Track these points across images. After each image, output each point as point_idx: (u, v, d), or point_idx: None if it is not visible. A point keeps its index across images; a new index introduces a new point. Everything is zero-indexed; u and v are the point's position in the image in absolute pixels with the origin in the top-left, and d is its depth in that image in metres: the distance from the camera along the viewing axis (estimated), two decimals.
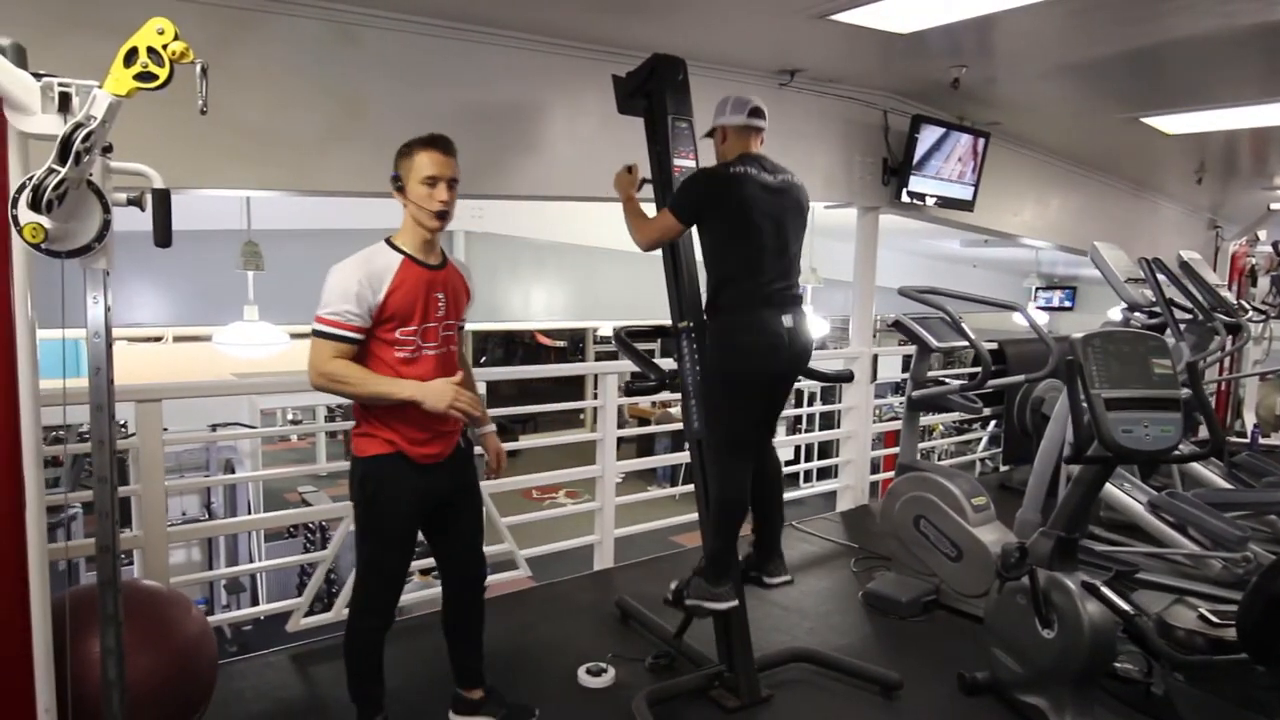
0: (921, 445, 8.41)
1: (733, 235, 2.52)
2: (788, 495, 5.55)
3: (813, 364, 2.89)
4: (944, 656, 3.01)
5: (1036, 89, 4.52)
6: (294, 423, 13.08)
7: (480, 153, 3.27)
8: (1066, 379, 2.33)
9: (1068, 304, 11.02)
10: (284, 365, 5.40)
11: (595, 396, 3.98)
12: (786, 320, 2.51)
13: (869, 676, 2.83)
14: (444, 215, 2.13)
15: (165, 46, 1.55)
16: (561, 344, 15.91)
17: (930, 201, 4.88)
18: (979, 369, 3.44)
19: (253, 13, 2.74)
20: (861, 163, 4.64)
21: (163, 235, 1.66)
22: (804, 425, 7.18)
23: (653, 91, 2.87)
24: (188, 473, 6.89)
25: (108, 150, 1.64)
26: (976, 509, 3.42)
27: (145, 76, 1.55)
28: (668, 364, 2.76)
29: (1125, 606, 2.29)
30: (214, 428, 6.82)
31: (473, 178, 3.27)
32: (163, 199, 1.65)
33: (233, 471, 6.98)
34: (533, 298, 9.52)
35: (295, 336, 6.76)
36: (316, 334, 2.04)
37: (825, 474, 6.11)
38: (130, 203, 1.64)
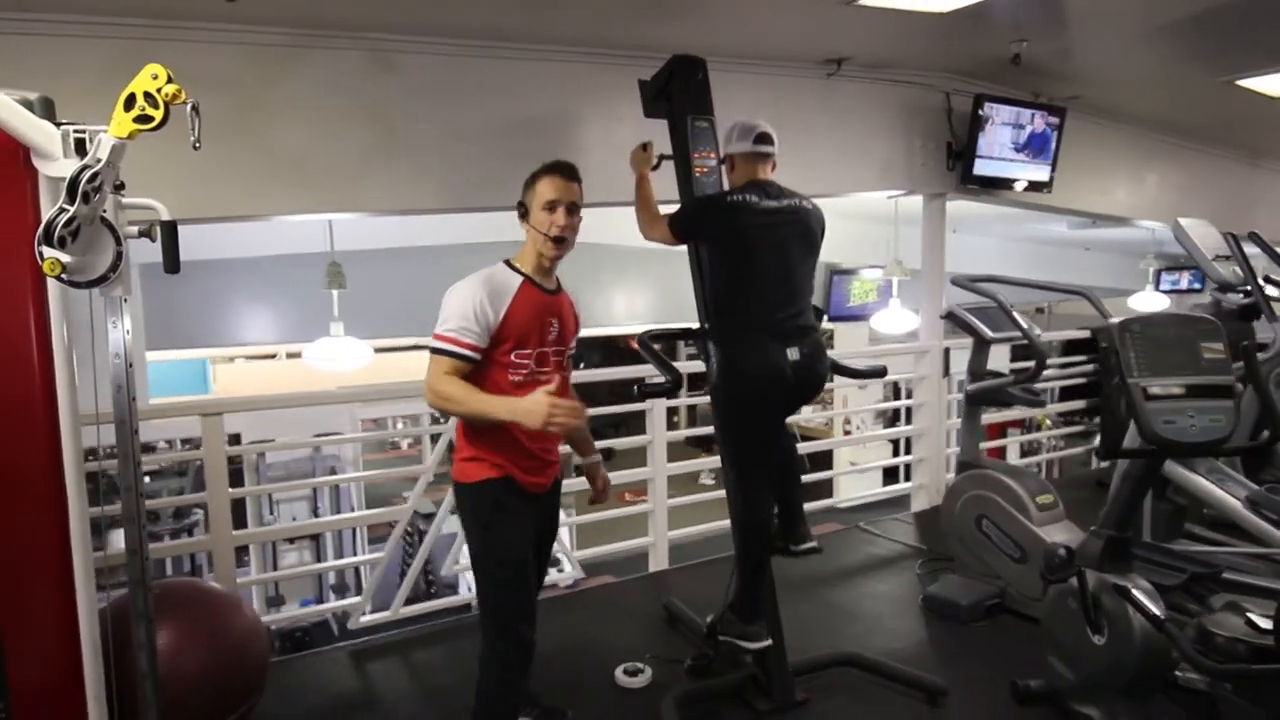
0: (1025, 438, 8.07)
1: (728, 261, 2.51)
2: (868, 494, 5.47)
3: (847, 361, 2.85)
4: (1002, 663, 2.85)
5: (1115, 57, 4.22)
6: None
7: (516, 166, 3.32)
8: (1101, 368, 2.18)
9: (1196, 286, 10.15)
10: (368, 378, 5.71)
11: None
12: (791, 352, 2.44)
13: (914, 682, 2.72)
14: (561, 241, 2.13)
15: (159, 90, 1.69)
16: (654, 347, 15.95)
17: (1000, 184, 4.64)
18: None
19: (295, 48, 2.92)
20: (923, 148, 4.47)
21: (171, 263, 1.80)
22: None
23: (673, 93, 2.88)
24: (295, 479, 7.40)
25: (120, 188, 1.80)
26: (1042, 507, 3.23)
27: (143, 119, 1.69)
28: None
29: (1154, 610, 2.11)
30: (318, 438, 7.27)
31: (510, 190, 3.40)
32: (170, 230, 1.79)
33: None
34: (615, 303, 9.63)
35: (379, 350, 7.14)
36: (434, 350, 2.01)
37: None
38: (141, 234, 1.79)
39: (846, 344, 10.46)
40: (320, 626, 5.21)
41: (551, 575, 3.66)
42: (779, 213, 2.50)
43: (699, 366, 2.85)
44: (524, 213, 2.19)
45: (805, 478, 4.91)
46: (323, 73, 2.98)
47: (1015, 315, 3.12)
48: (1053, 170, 4.76)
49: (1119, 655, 2.27)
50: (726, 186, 2.68)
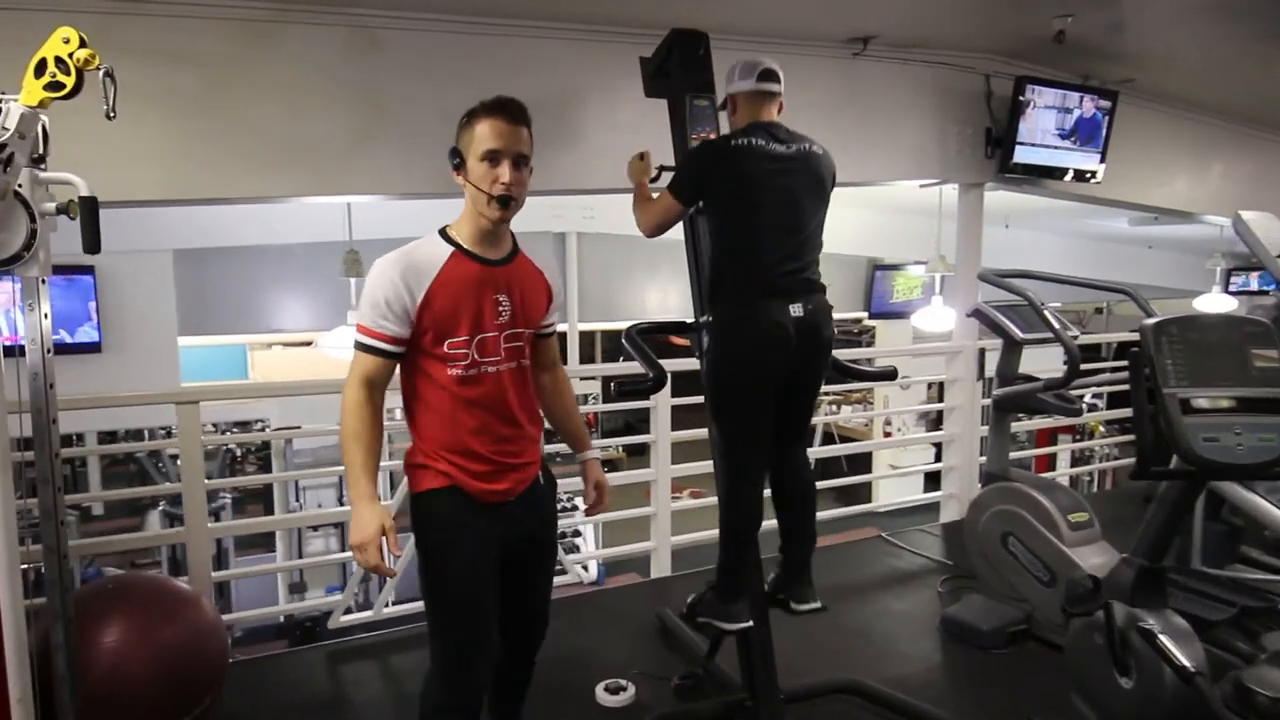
0: (1078, 446, 7.63)
1: (734, 213, 2.27)
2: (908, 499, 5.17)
3: (852, 360, 2.61)
4: (1023, 696, 2.61)
5: (1173, 35, 3.87)
6: None
7: None
8: (1131, 376, 1.92)
9: (1269, 287, 9.50)
10: None
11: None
12: (795, 309, 2.23)
13: (920, 716, 2.49)
14: (506, 201, 1.70)
15: (71, 55, 1.55)
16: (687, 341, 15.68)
17: (1044, 173, 4.31)
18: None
19: (272, 24, 2.80)
20: (959, 134, 4.17)
21: (90, 242, 1.67)
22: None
23: (672, 70, 2.69)
24: (324, 467, 7.41)
25: (39, 161, 1.67)
26: (1074, 526, 2.94)
27: (54, 86, 1.57)
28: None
29: (1183, 660, 1.84)
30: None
31: None
32: (89, 206, 1.66)
33: None
34: (648, 297, 9.44)
35: None
36: (355, 344, 1.73)
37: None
38: (59, 211, 1.66)
39: (888, 342, 10.12)
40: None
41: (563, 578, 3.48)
42: (790, 159, 2.27)
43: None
44: (459, 163, 1.73)
45: (840, 481, 4.78)
46: (303, 50, 2.85)
47: (1047, 313, 2.84)
48: (1102, 159, 4.41)
49: (1147, 703, 2.01)
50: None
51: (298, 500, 6.98)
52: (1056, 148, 4.27)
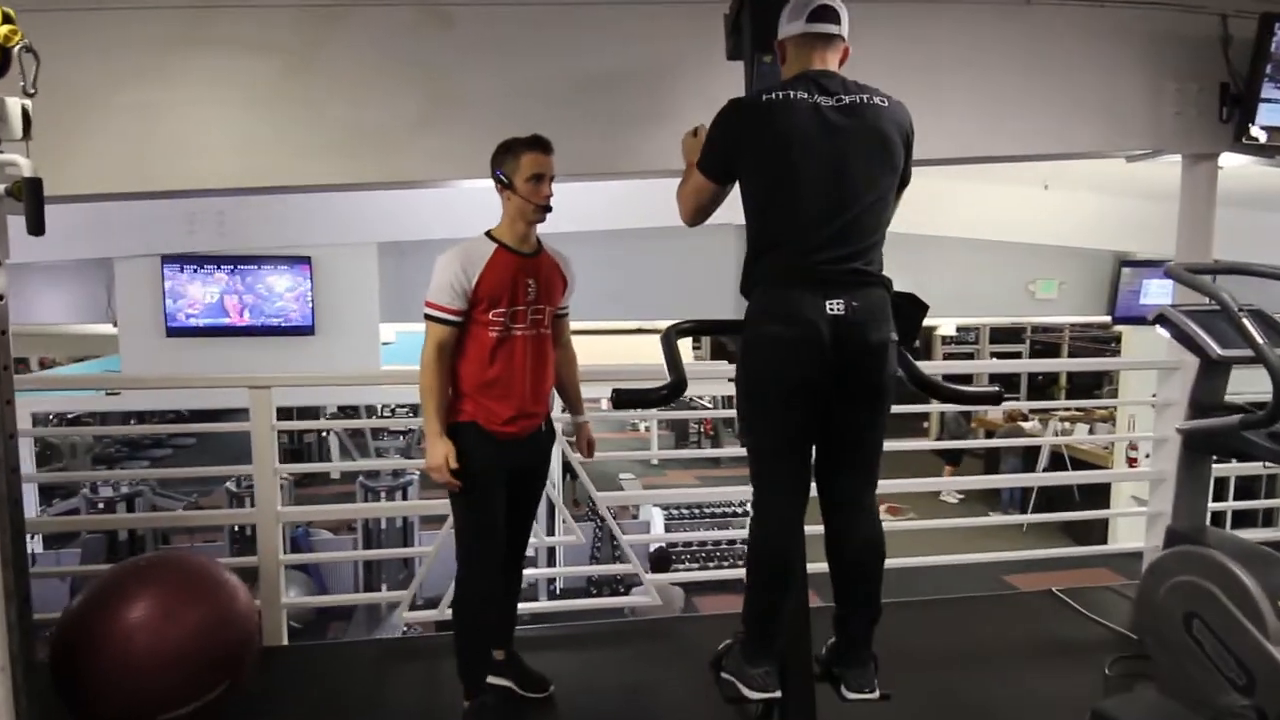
0: None
1: (765, 185, 1.87)
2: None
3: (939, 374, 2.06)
4: None
5: None
6: None
7: (589, 129, 2.95)
8: None
9: None
10: None
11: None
12: (833, 305, 1.77)
13: None
14: (548, 209, 2.30)
15: None
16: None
17: None
18: None
19: (345, 7, 2.75)
20: (1179, 92, 3.26)
21: (34, 224, 1.65)
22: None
23: (743, 25, 2.30)
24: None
25: None
26: None
27: None
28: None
29: None
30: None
31: (581, 158, 2.97)
32: (33, 188, 1.64)
33: None
34: None
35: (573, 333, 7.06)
36: (425, 317, 2.29)
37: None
38: (8, 193, 1.65)
39: (1137, 352, 8.65)
40: None
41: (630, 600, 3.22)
42: (840, 112, 1.82)
43: None
44: (506, 183, 2.29)
45: (1074, 515, 4.00)
46: (372, 33, 2.78)
47: (1246, 322, 2.06)
48: None
49: None
50: None
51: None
52: None
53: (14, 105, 1.68)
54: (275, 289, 6.85)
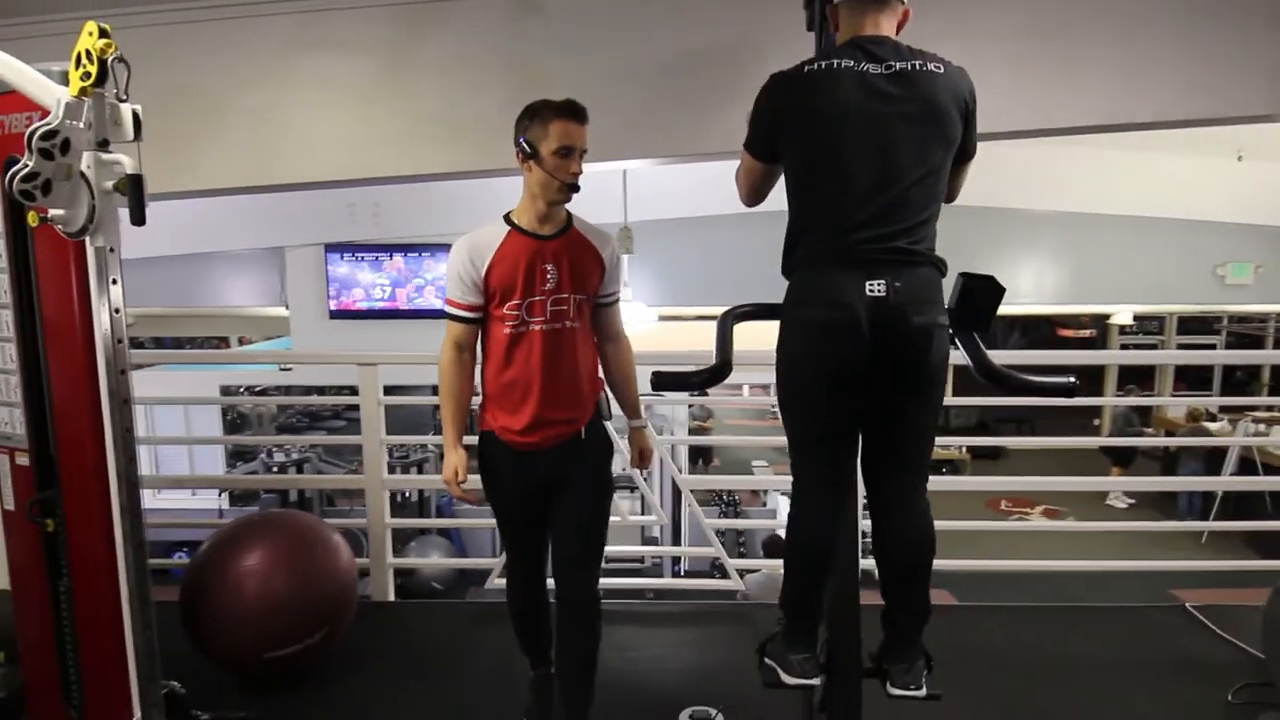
0: None
1: (805, 159, 1.79)
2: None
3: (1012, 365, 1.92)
4: None
5: None
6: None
7: (682, 107, 2.98)
8: None
9: None
10: (648, 345, 5.73)
11: None
12: (873, 287, 1.67)
13: None
14: (575, 188, 2.03)
15: (96, 47, 1.75)
16: (1088, 333, 13.22)
17: None
18: None
19: (435, 2, 2.90)
20: None
21: (137, 215, 1.88)
22: None
23: None
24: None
25: (104, 144, 1.92)
26: None
27: (88, 75, 1.77)
28: None
29: None
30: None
31: (673, 137, 2.99)
32: (134, 184, 1.86)
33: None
34: (1020, 279, 8.13)
35: (663, 319, 7.09)
36: (445, 314, 2.11)
37: None
38: (115, 189, 1.89)
39: None
40: None
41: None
42: (889, 80, 1.71)
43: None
44: (530, 153, 2.01)
45: (1262, 524, 3.52)
46: (464, 25, 2.92)
47: None
48: None
49: None
50: None
51: None
52: None
53: (125, 110, 1.91)
54: (427, 274, 7.38)
